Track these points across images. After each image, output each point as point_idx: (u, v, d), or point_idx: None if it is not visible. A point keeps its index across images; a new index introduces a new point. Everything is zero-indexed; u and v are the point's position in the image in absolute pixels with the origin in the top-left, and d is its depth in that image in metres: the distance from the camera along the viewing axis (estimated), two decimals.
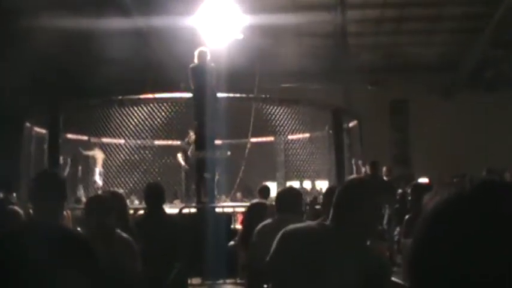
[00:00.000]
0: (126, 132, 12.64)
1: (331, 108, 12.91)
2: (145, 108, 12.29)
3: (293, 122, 13.07)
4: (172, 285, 5.36)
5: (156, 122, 12.47)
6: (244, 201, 12.24)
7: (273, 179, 14.48)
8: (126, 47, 15.25)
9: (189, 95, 11.18)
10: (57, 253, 1.45)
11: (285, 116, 12.97)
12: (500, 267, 0.88)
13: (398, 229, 8.31)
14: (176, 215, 8.91)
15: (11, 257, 1.25)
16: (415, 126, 22.74)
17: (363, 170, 13.10)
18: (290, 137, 13.80)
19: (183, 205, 10.59)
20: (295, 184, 13.90)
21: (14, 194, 11.48)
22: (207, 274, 8.02)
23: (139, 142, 13.25)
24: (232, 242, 7.83)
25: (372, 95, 21.93)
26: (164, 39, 17.05)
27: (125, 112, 12.38)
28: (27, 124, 12.47)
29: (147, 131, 12.69)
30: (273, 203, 5.68)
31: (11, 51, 15.19)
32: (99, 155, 13.22)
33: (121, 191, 8.32)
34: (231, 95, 12.18)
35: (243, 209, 9.80)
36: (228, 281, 8.16)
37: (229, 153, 13.38)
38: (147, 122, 12.47)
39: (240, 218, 9.95)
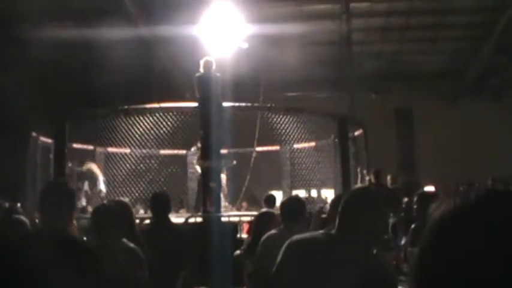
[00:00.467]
0: (132, 141, 12.64)
1: (336, 117, 12.90)
2: (151, 118, 12.29)
3: (298, 130, 13.05)
4: None
5: (161, 132, 12.47)
6: (250, 210, 12.22)
7: (278, 188, 14.46)
8: (132, 57, 15.31)
9: (194, 104, 11.19)
10: (64, 262, 1.47)
11: (291, 125, 12.95)
12: (506, 276, 0.89)
13: (404, 238, 8.29)
14: (182, 224, 8.91)
15: (20, 265, 1.26)
16: (420, 134, 22.73)
17: (367, 178, 13.09)
18: (296, 145, 13.78)
19: (189, 214, 10.58)
20: (301, 193, 13.89)
21: (19, 204, 11.49)
22: (212, 283, 8.00)
23: (145, 151, 13.25)
24: (238, 251, 7.83)
25: (376, 103, 21.96)
26: (169, 49, 17.11)
27: (130, 121, 12.38)
28: (33, 134, 12.50)
29: (152, 140, 12.69)
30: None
31: (16, 60, 15.28)
32: (94, 167, 13.19)
33: (126, 199, 8.33)
34: (237, 104, 12.19)
35: (248, 218, 9.80)
36: None
37: (234, 162, 13.38)
38: (152, 132, 12.47)
39: (245, 227, 9.94)
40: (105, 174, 13.32)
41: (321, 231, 3.14)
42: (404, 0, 17.06)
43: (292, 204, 5.35)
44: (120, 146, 12.88)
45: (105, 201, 11.14)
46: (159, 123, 12.27)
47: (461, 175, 17.41)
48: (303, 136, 13.21)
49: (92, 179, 13.07)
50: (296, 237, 3.03)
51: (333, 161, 13.17)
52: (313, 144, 13.65)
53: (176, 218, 8.88)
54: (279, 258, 3.00)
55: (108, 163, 13.33)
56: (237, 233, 9.81)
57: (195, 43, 13.46)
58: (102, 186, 13.05)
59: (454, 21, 18.79)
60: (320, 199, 14.25)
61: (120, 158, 13.19)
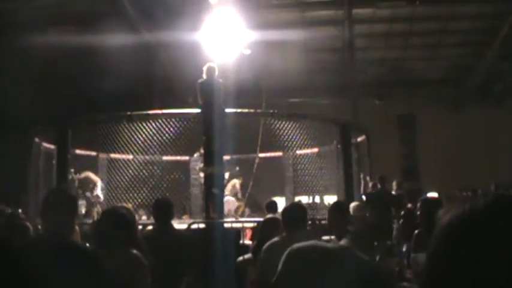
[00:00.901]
0: (135, 147, 12.66)
1: (339, 123, 12.90)
2: (153, 124, 12.30)
3: (301, 136, 13.05)
4: None
5: (164, 138, 12.47)
6: (253, 217, 12.21)
7: (281, 194, 14.46)
8: (134, 62, 15.33)
9: (197, 110, 11.19)
10: (66, 267, 1.45)
11: (293, 131, 12.95)
12: None
13: (406, 244, 8.29)
14: (185, 230, 8.90)
15: (22, 270, 1.25)
16: (423, 140, 22.72)
17: (370, 184, 13.09)
18: (298, 152, 13.77)
19: (191, 220, 10.57)
20: (304, 199, 13.87)
21: (20, 210, 11.49)
22: None
23: (147, 157, 13.26)
24: (241, 258, 7.81)
25: (379, 109, 21.97)
26: (172, 55, 17.13)
27: (133, 128, 12.39)
28: (36, 140, 12.51)
29: (155, 146, 12.69)
30: None
31: (18, 65, 15.31)
32: (90, 174, 13.15)
33: (129, 206, 8.33)
34: (239, 110, 12.19)
35: (251, 224, 9.79)
36: None
37: (237, 168, 13.38)
38: (155, 138, 12.47)
39: (248, 233, 9.93)
40: (107, 180, 13.31)
41: (322, 239, 3.12)
42: (407, 7, 17.06)
43: (294, 211, 5.32)
44: (123, 152, 12.89)
45: (102, 208, 11.17)
46: (162, 129, 12.27)
47: (464, 181, 17.40)
48: (305, 142, 13.21)
49: (88, 187, 13.05)
50: (296, 245, 3.00)
51: (335, 167, 13.15)
52: (315, 150, 13.64)
53: (179, 224, 8.87)
54: (279, 267, 2.99)
55: (111, 169, 13.33)
56: (240, 239, 9.80)
57: (197, 49, 13.47)
58: (99, 193, 13.01)
59: (456, 27, 18.80)
60: (323, 205, 14.22)
61: (123, 164, 13.20)
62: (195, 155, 13.59)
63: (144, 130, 12.35)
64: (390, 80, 22.21)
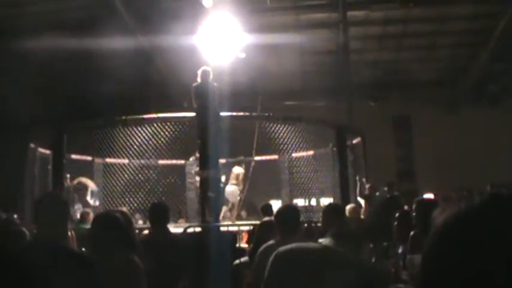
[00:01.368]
0: (130, 152, 12.66)
1: (334, 126, 12.91)
2: (149, 128, 12.31)
3: (297, 139, 13.07)
4: None
5: (160, 142, 12.48)
6: (249, 220, 12.22)
7: (277, 197, 14.46)
8: (130, 67, 15.33)
9: (192, 114, 11.19)
10: (61, 272, 1.46)
11: (289, 134, 12.97)
12: (509, 280, 0.89)
13: (401, 246, 8.28)
14: (181, 234, 8.89)
15: (18, 275, 1.25)
16: (418, 141, 22.72)
17: (368, 186, 13.10)
18: (294, 154, 13.78)
19: (187, 224, 10.57)
20: (300, 202, 13.88)
21: (15, 216, 11.46)
22: None
23: (143, 162, 13.26)
24: (237, 261, 7.80)
25: (374, 111, 21.97)
26: (167, 59, 17.13)
27: (128, 132, 12.40)
28: (31, 145, 12.50)
29: (151, 150, 12.70)
30: None
31: (15, 70, 15.30)
32: (83, 179, 13.12)
33: (124, 209, 8.31)
34: (234, 113, 12.20)
35: (247, 228, 9.79)
36: None
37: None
38: (151, 142, 12.48)
39: (245, 236, 9.93)
40: (103, 185, 13.29)
41: (310, 241, 3.11)
42: (401, 9, 17.08)
43: (288, 214, 5.28)
44: (118, 157, 12.88)
45: (96, 213, 11.13)
46: (157, 133, 12.28)
47: (460, 182, 17.40)
48: (301, 145, 13.23)
49: (81, 192, 13.03)
50: (282, 249, 3.01)
51: (331, 169, 13.17)
52: (311, 153, 13.66)
53: (175, 228, 8.86)
54: (266, 272, 2.98)
55: (107, 174, 13.31)
56: (236, 242, 9.79)
57: (193, 53, 13.49)
58: (88, 198, 12.93)
59: (450, 28, 18.82)
60: (319, 208, 14.23)
61: (119, 169, 13.19)
62: (191, 159, 13.59)
63: (139, 134, 12.36)
64: (385, 82, 22.21)
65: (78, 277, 2.22)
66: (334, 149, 12.82)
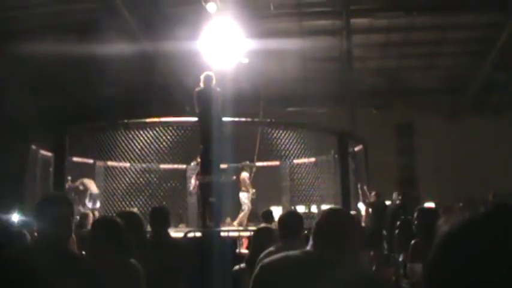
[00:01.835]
0: (132, 155, 12.66)
1: (336, 133, 12.90)
2: (151, 132, 12.31)
3: (298, 146, 13.07)
4: None
5: (161, 146, 12.48)
6: (250, 226, 12.21)
7: (278, 204, 14.45)
8: (132, 71, 15.36)
9: (194, 118, 11.19)
10: (61, 274, 1.45)
11: (291, 140, 12.96)
12: None
13: (402, 254, 8.27)
14: (181, 238, 8.88)
15: (20, 276, 1.25)
16: (420, 149, 22.69)
17: (373, 194, 13.12)
18: (295, 161, 13.78)
19: (188, 229, 10.56)
20: (300, 208, 13.86)
21: (16, 216, 11.44)
22: None
23: (144, 166, 13.26)
24: (237, 267, 7.79)
25: (377, 118, 21.98)
26: (170, 63, 17.16)
27: (130, 135, 12.40)
28: (33, 147, 12.50)
29: (152, 154, 12.70)
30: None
31: (17, 73, 15.32)
32: (86, 181, 13.10)
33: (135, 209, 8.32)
34: (237, 119, 12.20)
35: (248, 233, 9.78)
36: None
37: (234, 177, 13.36)
38: (152, 146, 12.48)
39: (245, 242, 9.92)
40: (104, 188, 13.29)
41: (298, 251, 3.06)
42: (405, 17, 17.09)
43: (290, 220, 5.26)
44: (120, 160, 12.89)
45: (98, 215, 11.12)
46: (159, 137, 12.29)
47: (462, 191, 17.34)
48: (302, 151, 13.23)
49: (81, 193, 13.02)
50: (266, 260, 2.99)
51: (332, 176, 13.15)
52: (313, 159, 13.65)
53: (175, 233, 8.86)
54: (250, 284, 2.96)
55: (108, 177, 13.32)
56: (236, 248, 9.79)
57: (196, 58, 13.49)
58: (87, 200, 12.89)
59: (453, 37, 18.84)
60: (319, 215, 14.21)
61: (120, 172, 13.19)
62: (192, 164, 13.59)
63: (141, 138, 12.37)
64: (388, 90, 22.21)
65: (78, 281, 2.22)
66: (336, 156, 12.81)
